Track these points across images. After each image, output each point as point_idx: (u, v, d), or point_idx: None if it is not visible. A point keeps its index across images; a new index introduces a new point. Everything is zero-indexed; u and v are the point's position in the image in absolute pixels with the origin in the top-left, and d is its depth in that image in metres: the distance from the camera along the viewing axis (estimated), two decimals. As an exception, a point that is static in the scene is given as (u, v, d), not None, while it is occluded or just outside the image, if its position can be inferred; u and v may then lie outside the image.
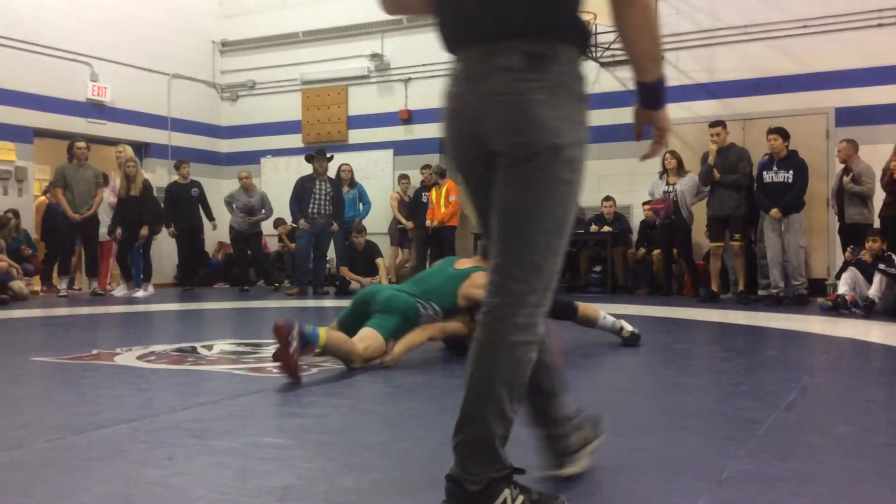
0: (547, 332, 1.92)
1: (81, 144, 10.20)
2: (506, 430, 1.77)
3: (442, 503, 1.79)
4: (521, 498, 1.80)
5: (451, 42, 1.89)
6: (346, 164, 11.46)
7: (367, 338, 4.07)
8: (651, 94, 1.89)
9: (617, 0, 1.77)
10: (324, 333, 3.81)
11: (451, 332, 4.45)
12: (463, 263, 4.67)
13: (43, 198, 11.11)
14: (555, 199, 1.78)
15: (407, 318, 4.25)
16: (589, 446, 2.19)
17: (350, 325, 4.33)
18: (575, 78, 1.81)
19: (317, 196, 10.45)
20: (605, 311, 5.06)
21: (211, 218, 11.22)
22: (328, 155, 10.76)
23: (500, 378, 1.75)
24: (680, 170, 9.23)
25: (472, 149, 1.86)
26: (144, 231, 10.04)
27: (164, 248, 11.36)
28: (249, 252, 11.37)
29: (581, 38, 1.83)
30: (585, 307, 4.96)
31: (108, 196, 10.32)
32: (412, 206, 11.49)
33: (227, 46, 13.97)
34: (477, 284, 4.29)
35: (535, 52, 1.76)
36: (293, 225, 11.02)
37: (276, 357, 3.68)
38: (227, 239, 12.04)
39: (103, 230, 10.38)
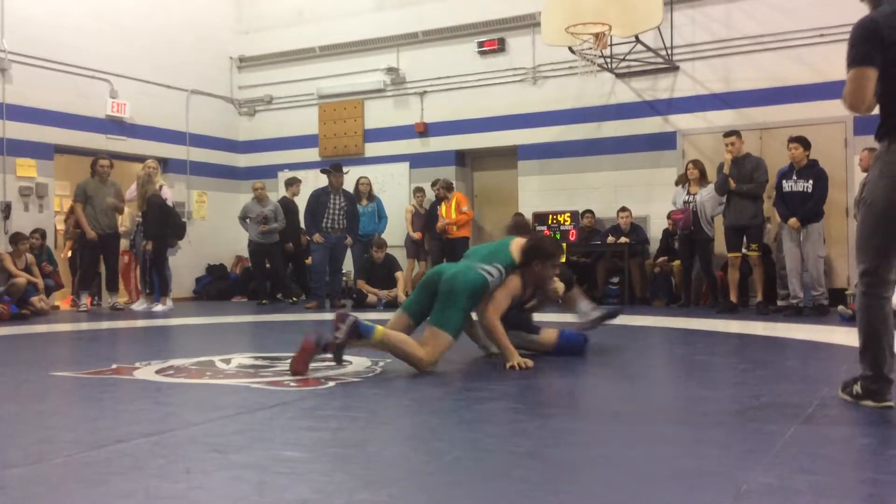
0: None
1: (105, 162, 10.26)
2: None
3: None
4: None
5: None
6: (364, 178, 11.47)
7: (430, 340, 4.20)
8: None
9: None
10: (380, 329, 3.96)
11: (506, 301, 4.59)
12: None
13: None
14: None
15: (474, 296, 4.38)
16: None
17: (417, 309, 4.49)
18: None
19: (331, 210, 10.48)
20: (591, 307, 5.36)
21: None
22: (344, 169, 10.81)
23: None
24: (702, 180, 9.19)
25: None
26: (148, 246, 10.10)
27: (181, 262, 11.40)
28: (269, 265, 11.40)
29: None
30: (577, 291, 5.38)
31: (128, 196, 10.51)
32: (428, 218, 11.52)
33: (244, 62, 14.09)
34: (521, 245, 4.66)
35: None
36: (308, 238, 11.07)
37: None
38: (245, 252, 12.12)
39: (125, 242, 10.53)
